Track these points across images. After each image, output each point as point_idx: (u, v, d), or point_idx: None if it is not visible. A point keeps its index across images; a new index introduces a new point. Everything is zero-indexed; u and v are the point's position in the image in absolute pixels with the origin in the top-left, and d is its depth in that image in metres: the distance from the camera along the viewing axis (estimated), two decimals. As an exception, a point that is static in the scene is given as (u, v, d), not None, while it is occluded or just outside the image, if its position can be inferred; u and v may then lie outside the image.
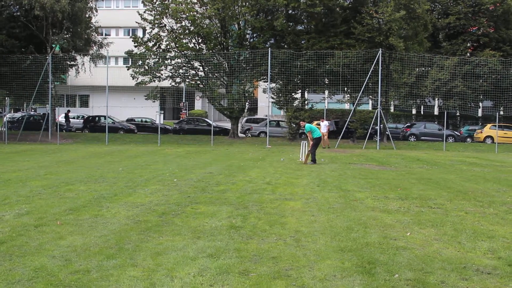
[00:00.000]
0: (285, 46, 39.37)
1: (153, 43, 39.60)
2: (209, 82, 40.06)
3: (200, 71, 40.67)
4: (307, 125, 21.87)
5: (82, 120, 48.29)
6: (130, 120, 48.69)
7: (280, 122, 45.36)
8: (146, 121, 48.61)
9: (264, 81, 41.08)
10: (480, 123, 48.84)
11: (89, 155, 24.83)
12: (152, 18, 38.87)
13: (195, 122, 46.91)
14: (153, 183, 14.34)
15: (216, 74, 40.79)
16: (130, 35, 47.01)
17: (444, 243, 8.02)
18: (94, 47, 44.26)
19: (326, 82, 40.85)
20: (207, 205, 10.87)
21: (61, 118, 47.26)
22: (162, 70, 39.70)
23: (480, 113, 52.64)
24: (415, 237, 8.40)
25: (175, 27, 38.99)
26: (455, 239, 8.28)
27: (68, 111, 46.09)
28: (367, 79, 35.18)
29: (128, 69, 41.07)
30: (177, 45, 38.84)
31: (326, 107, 46.61)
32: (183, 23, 38.65)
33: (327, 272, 6.44)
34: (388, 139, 37.14)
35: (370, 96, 41.21)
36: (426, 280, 6.20)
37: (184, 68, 40.47)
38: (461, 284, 6.12)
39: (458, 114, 49.35)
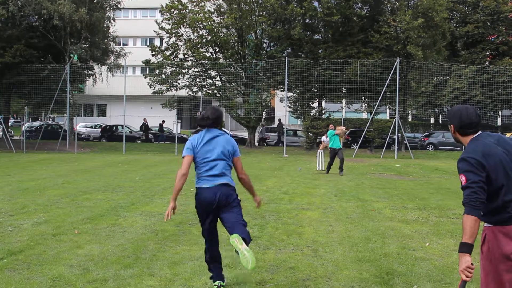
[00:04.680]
0: (302, 55, 39.36)
1: (170, 52, 39.78)
2: (226, 91, 40.13)
3: (217, 80, 40.78)
4: (331, 131, 21.44)
5: (100, 130, 48.60)
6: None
7: (297, 132, 45.29)
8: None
9: (281, 91, 41.12)
10: (500, 132, 48.39)
11: (107, 164, 24.94)
12: (170, 27, 39.07)
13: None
14: (170, 192, 14.32)
15: (233, 83, 40.86)
16: (148, 44, 47.32)
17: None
18: (112, 56, 44.57)
19: (344, 91, 40.74)
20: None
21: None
22: (179, 79, 39.84)
23: (499, 122, 52.21)
24: (434, 247, 8.32)
25: (192, 36, 39.15)
26: (474, 250, 8.16)
27: (163, 121, 46.05)
28: (384, 88, 35.02)
29: (145, 78, 41.29)
30: (194, 54, 39.00)
31: (344, 116, 46.49)
32: (200, 32, 38.81)
33: (345, 282, 6.39)
34: (406, 148, 36.92)
35: (388, 105, 41.02)
36: (445, 292, 6.14)
37: (201, 77, 40.60)
38: (482, 296, 6.03)
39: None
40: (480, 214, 3.84)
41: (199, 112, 51.21)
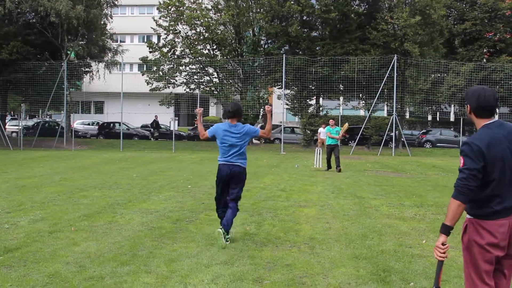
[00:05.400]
0: (300, 52, 39.35)
1: (167, 49, 39.76)
2: (223, 88, 40.11)
3: (215, 77, 40.77)
4: (329, 128, 21.58)
5: (97, 127, 48.62)
6: (144, 127, 48.88)
7: (294, 129, 45.27)
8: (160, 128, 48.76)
9: (279, 88, 41.09)
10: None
11: (104, 162, 24.92)
12: (167, 24, 39.03)
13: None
14: (167, 189, 14.35)
15: (230, 81, 40.86)
16: (145, 41, 47.26)
17: (460, 251, 7.84)
18: (109, 53, 44.47)
19: (341, 88, 40.76)
20: (221, 211, 10.85)
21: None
22: (176, 76, 39.82)
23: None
24: (431, 245, 8.30)
25: (189, 34, 39.14)
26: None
27: (156, 116, 45.98)
28: (382, 85, 35.03)
29: (142, 75, 41.24)
30: (191, 51, 38.98)
31: (341, 114, 46.49)
32: (198, 30, 38.80)
33: (341, 280, 6.39)
34: (403, 145, 36.95)
35: (385, 103, 41.03)
36: (442, 289, 6.13)
37: (198, 74, 40.58)
38: (478, 293, 6.02)
39: (474, 120, 48.88)
40: (465, 200, 3.95)
41: (196, 109, 51.31)
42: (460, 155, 4.07)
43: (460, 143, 37.18)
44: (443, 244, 4.03)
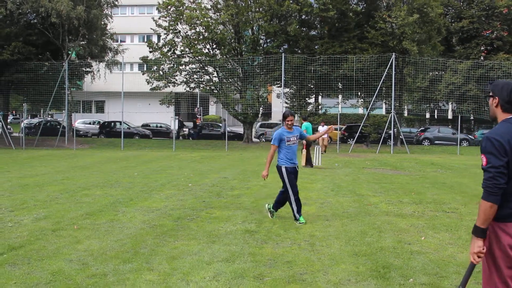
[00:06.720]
0: (299, 51, 39.38)
1: (167, 48, 39.79)
2: (223, 87, 40.14)
3: (214, 76, 40.77)
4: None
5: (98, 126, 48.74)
6: (145, 126, 48.94)
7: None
8: (161, 127, 48.81)
9: (278, 86, 41.09)
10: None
11: (105, 160, 24.96)
12: (167, 24, 39.05)
13: (210, 127, 47.01)
14: (168, 188, 14.42)
15: (230, 80, 40.87)
16: (145, 41, 47.32)
17: (459, 247, 8.01)
18: (110, 53, 44.55)
19: (340, 86, 40.78)
20: (222, 209, 10.94)
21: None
22: (176, 75, 39.85)
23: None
24: (430, 241, 8.39)
25: (189, 33, 39.15)
26: (469, 244, 8.24)
27: (196, 118, 46.09)
28: (380, 83, 35.05)
29: (143, 74, 41.26)
30: (191, 51, 38.98)
31: (340, 112, 46.48)
32: (197, 29, 38.80)
33: (341, 276, 6.46)
34: (402, 143, 36.97)
35: (384, 101, 41.08)
36: (440, 285, 6.20)
37: (198, 73, 40.60)
38: (475, 288, 6.11)
39: (472, 118, 49.01)
40: (497, 200, 3.80)
41: (196, 108, 51.41)
42: (481, 153, 3.92)
43: (458, 140, 37.29)
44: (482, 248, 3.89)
